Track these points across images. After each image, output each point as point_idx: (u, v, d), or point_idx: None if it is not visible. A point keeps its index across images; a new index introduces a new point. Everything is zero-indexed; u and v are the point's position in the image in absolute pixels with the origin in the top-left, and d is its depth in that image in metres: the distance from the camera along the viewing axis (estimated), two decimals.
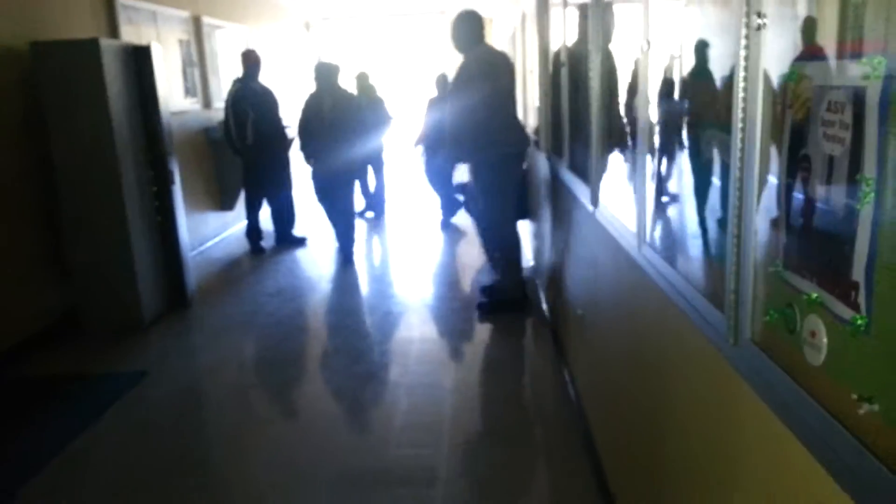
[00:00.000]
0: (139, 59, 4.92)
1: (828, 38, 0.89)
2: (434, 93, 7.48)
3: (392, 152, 8.23)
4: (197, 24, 7.30)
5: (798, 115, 0.94)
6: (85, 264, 4.67)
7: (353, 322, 4.87)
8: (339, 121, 5.96)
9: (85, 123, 4.51)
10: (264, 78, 6.84)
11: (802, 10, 0.94)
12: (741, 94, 1.06)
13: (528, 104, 5.82)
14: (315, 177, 6.20)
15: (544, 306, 4.82)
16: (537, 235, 5.31)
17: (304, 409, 3.69)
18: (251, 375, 4.16)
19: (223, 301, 5.49)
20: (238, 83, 6.64)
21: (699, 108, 1.45)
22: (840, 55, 0.85)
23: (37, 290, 4.63)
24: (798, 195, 0.96)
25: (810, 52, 0.92)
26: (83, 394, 3.85)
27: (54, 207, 4.63)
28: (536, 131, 4.96)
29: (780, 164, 0.99)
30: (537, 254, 5.38)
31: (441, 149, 6.80)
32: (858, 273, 0.82)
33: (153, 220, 5.01)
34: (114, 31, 5.72)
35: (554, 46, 3.77)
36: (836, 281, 0.87)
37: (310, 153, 6.13)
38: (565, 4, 3.21)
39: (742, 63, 1.05)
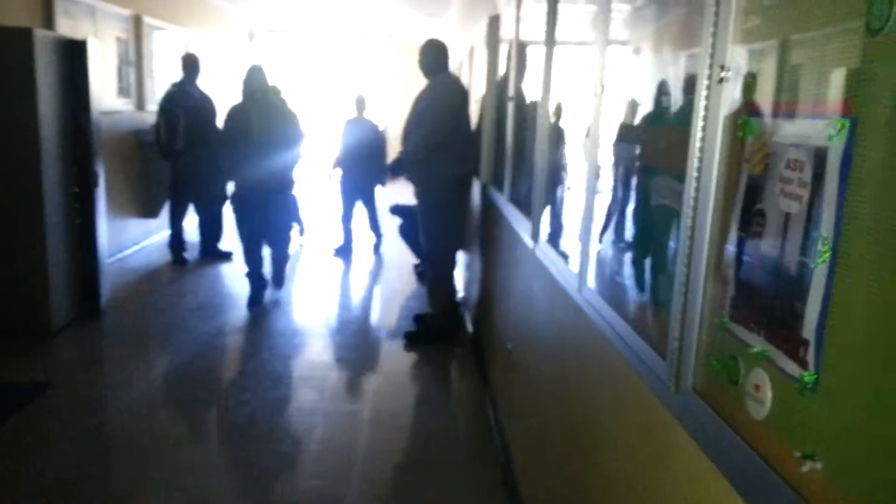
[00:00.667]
0: (73, 54, 4.71)
1: (790, 96, 0.90)
2: (352, 113, 7.39)
3: (303, 172, 7.57)
4: (137, 23, 7.08)
5: (755, 170, 0.95)
6: None
7: (273, 345, 4.72)
8: (266, 135, 5.11)
9: (9, 115, 4.28)
10: (203, 84, 6.66)
11: (767, 67, 0.96)
12: (698, 144, 1.07)
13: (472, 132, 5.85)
14: (234, 195, 5.44)
15: (470, 337, 4.80)
16: (470, 266, 5.31)
17: (214, 432, 3.54)
18: (161, 393, 3.96)
19: (138, 313, 5.24)
20: (175, 86, 6.45)
21: (652, 154, 1.46)
22: (802, 114, 0.87)
23: None
24: (750, 249, 0.96)
25: (772, 108, 0.94)
26: None
27: None
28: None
29: (734, 217, 1.00)
30: (468, 283, 5.38)
31: (354, 169, 6.99)
32: (809, 330, 0.82)
33: (71, 222, 4.76)
34: (49, 23, 5.47)
35: (501, 81, 3.81)
36: (785, 337, 0.87)
37: (231, 168, 5.29)
38: (516, 40, 3.25)
39: (701, 113, 1.06)
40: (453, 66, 6.58)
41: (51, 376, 3.92)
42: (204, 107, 6.47)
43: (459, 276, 5.87)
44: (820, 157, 0.81)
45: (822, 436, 0.80)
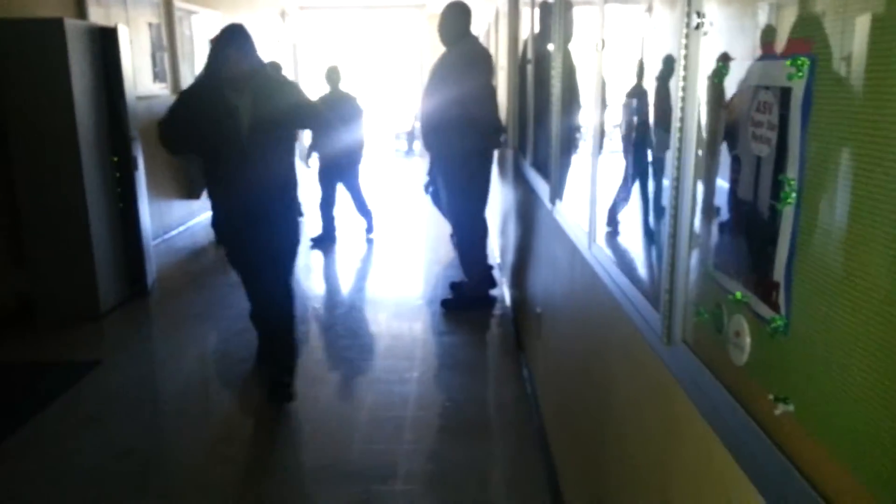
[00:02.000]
0: (105, 42, 4.82)
1: (758, 39, 0.88)
2: (325, 87, 6.74)
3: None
4: (168, 7, 7.18)
5: (732, 116, 0.94)
6: (41, 249, 4.56)
7: (316, 315, 4.82)
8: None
9: (45, 104, 4.41)
10: None
11: (737, 12, 0.94)
12: (680, 94, 1.06)
13: (500, 101, 5.81)
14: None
15: (508, 303, 4.82)
16: (504, 232, 5.31)
17: (263, 403, 3.64)
18: (208, 368, 4.10)
19: (183, 291, 5.40)
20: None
21: (649, 110, 1.44)
22: (770, 55, 0.85)
23: None
24: (728, 196, 0.96)
25: (743, 52, 0.92)
26: (32, 382, 3.76)
27: (9, 190, 4.51)
28: (505, 128, 4.96)
29: (712, 164, 0.99)
30: (504, 251, 5.39)
31: (332, 149, 6.30)
32: (779, 273, 0.82)
33: (114, 207, 4.91)
34: (81, 12, 5.60)
35: (522, 44, 3.77)
36: (758, 281, 0.87)
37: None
38: (533, 3, 3.21)
39: (682, 62, 1.05)
40: (482, 32, 6.51)
41: (100, 356, 4.09)
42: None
43: (494, 243, 5.87)
44: (785, 98, 0.80)
45: (794, 378, 0.80)
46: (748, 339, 0.90)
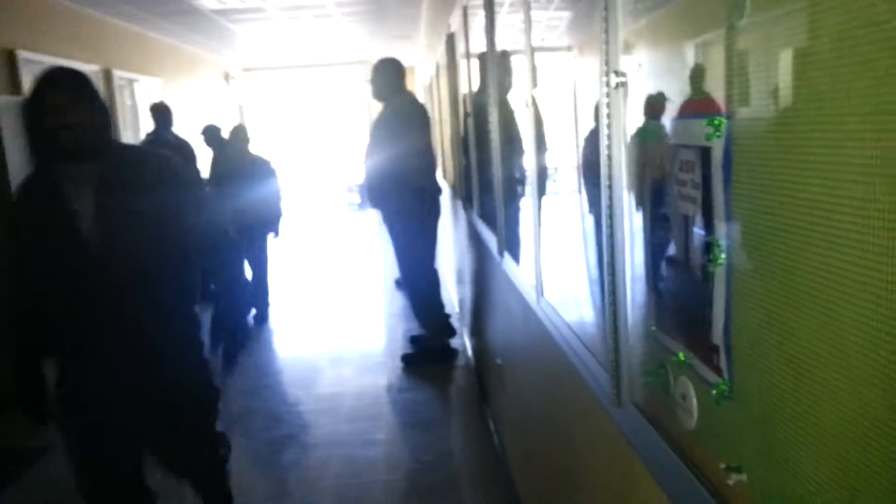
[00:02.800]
0: None
1: (678, 97, 0.88)
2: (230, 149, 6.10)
3: None
4: (108, 77, 7.10)
5: (656, 174, 0.93)
6: None
7: (274, 376, 4.69)
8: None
9: None
10: (181, 130, 6.67)
11: (655, 70, 0.94)
12: (605, 152, 1.04)
13: (445, 153, 5.85)
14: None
15: (470, 353, 4.76)
16: (461, 281, 5.28)
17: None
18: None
19: None
20: (151, 136, 6.47)
21: (590, 163, 1.43)
22: (688, 114, 0.84)
23: None
24: (661, 256, 0.94)
25: (664, 111, 0.91)
26: None
27: None
28: (452, 179, 4.98)
29: (644, 223, 0.97)
30: (462, 299, 5.35)
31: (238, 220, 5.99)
32: (717, 336, 0.80)
33: None
34: (15, 86, 5.49)
35: (461, 96, 3.80)
36: (699, 343, 0.84)
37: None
38: (468, 56, 3.24)
39: (605, 121, 1.03)
40: (423, 87, 6.58)
41: (49, 440, 3.88)
42: (181, 152, 6.48)
43: (452, 291, 5.84)
44: (706, 157, 0.78)
45: (743, 445, 0.77)
46: (695, 403, 0.87)
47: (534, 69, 1.72)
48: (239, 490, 3.23)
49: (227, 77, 11.68)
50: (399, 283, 6.86)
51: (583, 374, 1.36)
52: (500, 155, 2.36)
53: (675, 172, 0.87)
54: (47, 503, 3.25)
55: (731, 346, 0.77)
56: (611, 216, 1.05)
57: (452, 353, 4.78)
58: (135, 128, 7.70)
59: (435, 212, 4.53)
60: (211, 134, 6.69)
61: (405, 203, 4.30)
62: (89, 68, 6.71)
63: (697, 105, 0.81)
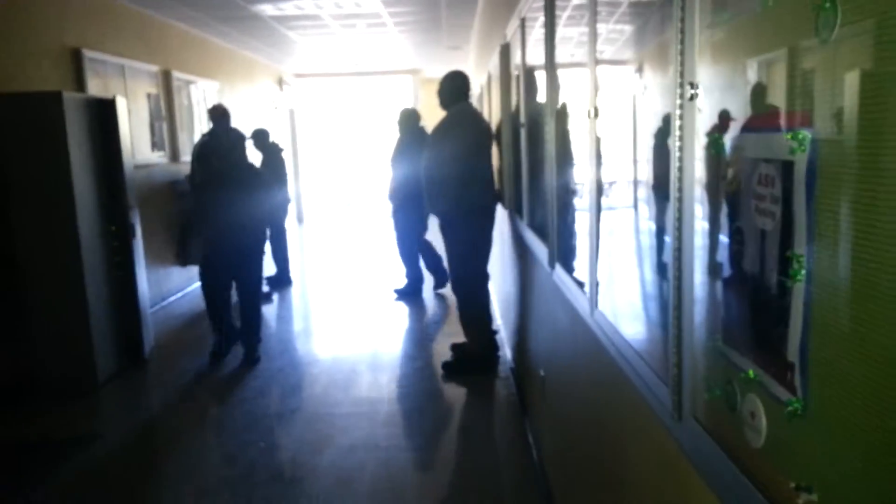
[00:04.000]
0: (103, 113, 4.88)
1: (756, 111, 0.87)
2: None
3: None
4: (166, 78, 7.31)
5: (732, 187, 0.92)
6: (37, 321, 4.51)
7: (315, 380, 4.74)
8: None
9: (44, 177, 4.44)
10: (235, 131, 6.82)
11: (732, 83, 0.93)
12: (677, 164, 1.04)
13: (494, 161, 5.85)
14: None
15: (511, 365, 4.75)
16: (504, 292, 5.27)
17: (265, 472, 3.54)
18: (208, 438, 4.00)
19: (181, 358, 5.32)
20: (206, 136, 6.63)
21: (658, 176, 1.42)
22: (768, 128, 0.83)
23: None
24: (733, 269, 0.93)
25: (740, 124, 0.91)
26: (26, 459, 3.66)
27: (10, 263, 4.49)
28: (501, 188, 4.98)
29: (715, 236, 0.96)
30: (505, 311, 5.33)
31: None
32: (793, 353, 0.78)
33: (112, 275, 4.89)
34: (80, 84, 5.69)
35: (514, 106, 3.81)
36: (772, 360, 0.83)
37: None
38: (524, 66, 3.25)
39: (677, 132, 1.03)
40: (474, 94, 6.61)
41: (96, 429, 3.99)
42: (235, 151, 6.63)
43: (496, 304, 5.82)
44: (788, 171, 0.78)
45: (816, 465, 0.76)
46: (764, 421, 0.85)
47: (596, 82, 1.72)
48: (277, 486, 3.27)
49: (280, 82, 11.90)
50: (400, 293, 6.94)
51: (639, 387, 1.34)
52: (556, 166, 2.35)
53: (752, 186, 0.86)
54: (89, 492, 3.33)
55: (807, 364, 0.76)
56: (679, 229, 1.05)
57: (493, 364, 4.77)
58: (189, 128, 7.90)
59: (490, 220, 4.58)
60: (260, 138, 6.92)
61: (462, 206, 4.38)
62: (149, 68, 6.91)
63: (777, 118, 0.80)
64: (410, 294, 6.98)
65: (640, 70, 1.65)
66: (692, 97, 0.99)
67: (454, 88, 4.60)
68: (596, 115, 1.68)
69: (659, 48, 1.48)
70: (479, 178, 4.42)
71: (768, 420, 0.85)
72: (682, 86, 1.01)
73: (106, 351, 4.73)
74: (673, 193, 1.06)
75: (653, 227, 1.35)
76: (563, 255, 2.32)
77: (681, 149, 1.03)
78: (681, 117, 1.02)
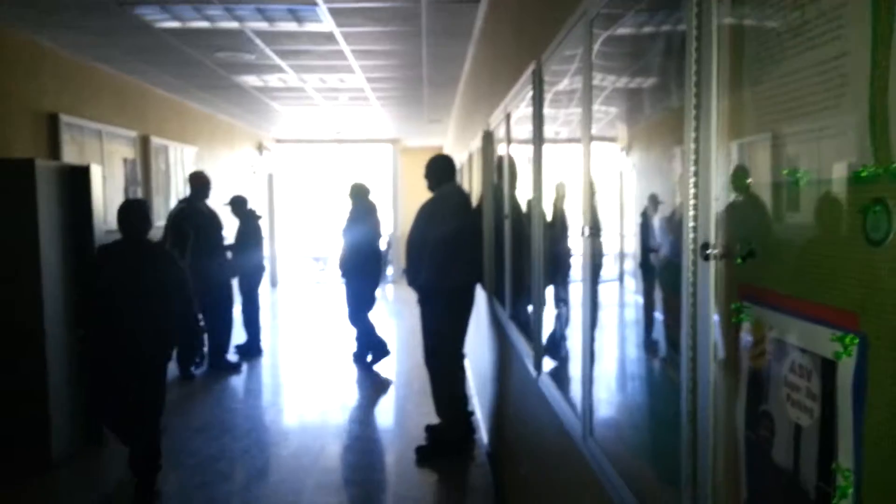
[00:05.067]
0: (77, 179, 4.77)
1: (790, 290, 0.80)
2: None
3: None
4: (144, 143, 7.23)
5: (757, 363, 0.84)
6: None
7: (282, 469, 4.53)
8: None
9: (12, 243, 4.31)
10: (212, 201, 6.75)
11: (764, 250, 0.86)
12: (688, 322, 0.96)
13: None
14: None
15: (487, 449, 4.59)
16: (482, 370, 5.15)
17: None
18: None
19: None
20: (183, 203, 6.53)
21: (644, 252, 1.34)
22: (805, 315, 0.76)
23: None
24: (758, 454, 0.84)
25: (770, 298, 0.83)
26: None
27: None
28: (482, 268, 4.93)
29: (739, 412, 0.88)
30: (481, 388, 5.20)
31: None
32: None
33: (75, 345, 4.68)
34: (55, 150, 5.59)
35: (497, 194, 3.79)
36: None
37: None
38: (510, 160, 3.22)
39: (689, 290, 0.96)
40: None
41: None
42: (212, 223, 6.55)
43: (471, 380, 5.69)
44: (828, 370, 0.70)
45: None
46: None
47: (589, 165, 1.66)
48: None
49: (259, 147, 11.89)
50: (356, 357, 7.05)
51: None
52: (543, 263, 2.28)
53: (782, 371, 0.78)
54: None
55: None
56: (693, 391, 0.96)
57: (469, 447, 4.62)
58: (166, 192, 7.79)
59: (469, 299, 4.54)
60: (238, 205, 6.99)
61: (442, 285, 4.39)
62: (127, 133, 6.85)
63: (820, 310, 0.73)
64: (363, 357, 7.04)
65: (627, 149, 1.60)
66: (707, 257, 0.92)
67: (440, 170, 4.70)
68: (594, 234, 1.61)
69: (646, 128, 1.42)
70: (463, 257, 4.41)
71: None
72: (695, 241, 0.94)
73: (64, 424, 4.50)
74: (685, 353, 0.98)
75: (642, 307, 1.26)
76: (553, 365, 2.22)
77: (693, 305, 0.96)
78: (693, 274, 0.95)
